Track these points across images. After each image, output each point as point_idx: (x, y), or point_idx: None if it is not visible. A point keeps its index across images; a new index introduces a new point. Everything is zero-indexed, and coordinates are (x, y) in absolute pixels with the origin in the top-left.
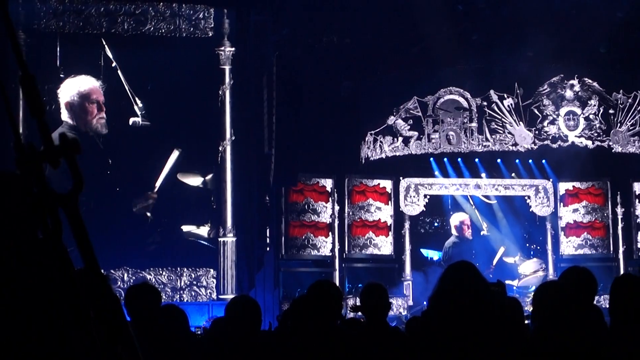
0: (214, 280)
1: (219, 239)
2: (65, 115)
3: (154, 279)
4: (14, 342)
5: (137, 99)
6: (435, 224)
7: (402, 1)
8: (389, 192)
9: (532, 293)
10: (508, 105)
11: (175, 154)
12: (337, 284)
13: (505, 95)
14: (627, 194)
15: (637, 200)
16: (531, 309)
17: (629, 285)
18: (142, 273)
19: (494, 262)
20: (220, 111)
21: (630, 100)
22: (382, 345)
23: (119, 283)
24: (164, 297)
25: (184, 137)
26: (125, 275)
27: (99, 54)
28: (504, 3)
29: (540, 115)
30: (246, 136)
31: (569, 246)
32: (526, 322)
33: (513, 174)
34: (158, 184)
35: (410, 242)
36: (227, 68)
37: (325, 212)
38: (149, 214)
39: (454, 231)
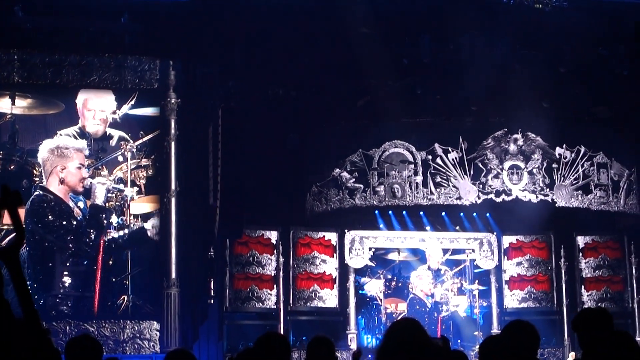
0: (158, 333)
1: (164, 291)
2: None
3: (96, 332)
4: None
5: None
6: None
7: (348, 55)
8: (334, 244)
9: (478, 347)
10: (452, 159)
11: None
12: None
13: (450, 149)
14: (571, 247)
15: (580, 254)
16: None
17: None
18: (85, 325)
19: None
20: (165, 162)
21: (573, 155)
22: None
23: (61, 335)
24: (106, 350)
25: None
26: (67, 327)
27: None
28: (448, 58)
29: (484, 169)
30: (191, 187)
31: (513, 299)
32: None
33: (457, 227)
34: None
35: (355, 295)
36: (172, 119)
37: (270, 264)
38: None
39: None
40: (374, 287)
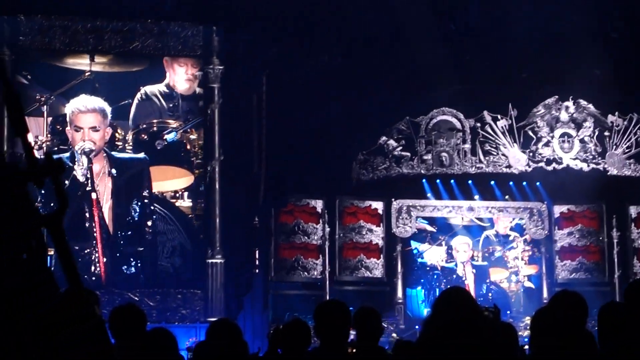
0: (202, 303)
1: (207, 261)
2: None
3: (140, 301)
4: None
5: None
6: None
7: (394, 20)
8: (381, 213)
9: (529, 319)
10: (502, 127)
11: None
12: None
13: (499, 117)
14: (623, 217)
15: (632, 224)
16: (527, 334)
17: (616, 312)
18: (129, 294)
19: None
20: (209, 130)
21: (625, 123)
22: None
23: (105, 304)
24: (150, 319)
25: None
26: (112, 296)
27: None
28: (497, 23)
29: (534, 137)
30: (235, 156)
31: (564, 270)
32: (525, 347)
33: (507, 197)
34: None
35: (403, 264)
36: (216, 86)
37: (316, 233)
38: None
39: None
40: (435, 255)
